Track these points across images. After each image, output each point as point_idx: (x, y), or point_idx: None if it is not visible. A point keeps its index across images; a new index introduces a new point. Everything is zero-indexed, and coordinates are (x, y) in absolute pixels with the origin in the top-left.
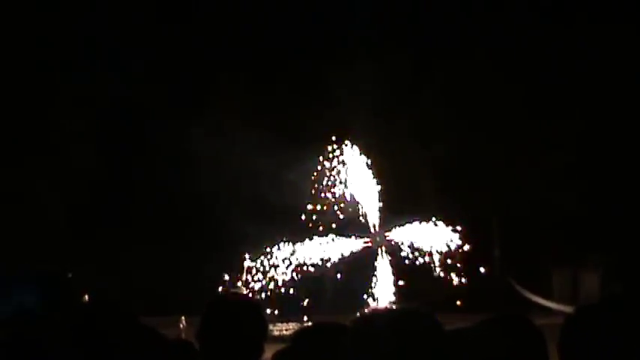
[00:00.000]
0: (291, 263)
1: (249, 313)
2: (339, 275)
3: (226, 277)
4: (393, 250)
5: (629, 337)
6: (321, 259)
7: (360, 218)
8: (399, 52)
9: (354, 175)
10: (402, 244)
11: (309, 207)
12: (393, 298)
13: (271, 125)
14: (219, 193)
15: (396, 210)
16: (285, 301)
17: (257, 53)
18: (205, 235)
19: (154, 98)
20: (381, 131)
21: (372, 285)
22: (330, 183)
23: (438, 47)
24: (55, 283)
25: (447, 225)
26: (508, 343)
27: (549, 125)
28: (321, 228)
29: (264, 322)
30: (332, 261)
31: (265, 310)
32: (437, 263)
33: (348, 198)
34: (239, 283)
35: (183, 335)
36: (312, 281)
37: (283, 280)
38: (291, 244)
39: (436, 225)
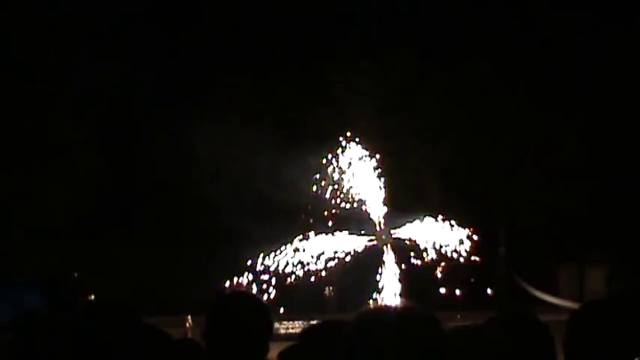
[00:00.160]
0: (296, 262)
1: (255, 312)
2: (344, 273)
3: (231, 276)
4: (399, 247)
5: (634, 332)
6: (326, 258)
7: (366, 216)
8: (403, 51)
9: (358, 174)
10: (408, 241)
11: (314, 205)
12: (398, 296)
13: (275, 125)
14: (223, 193)
15: (401, 208)
16: (290, 300)
17: (260, 53)
18: (210, 234)
19: (155, 100)
20: (385, 130)
21: (378, 283)
22: (334, 181)
23: (442, 46)
24: (59, 285)
25: (452, 223)
26: (515, 340)
27: (555, 124)
28: (325, 226)
29: (269, 320)
30: (337, 259)
31: (270, 308)
32: (442, 261)
33: (353, 196)
34: (244, 282)
35: (189, 335)
36: (317, 279)
37: (288, 279)
38: (295, 242)
39: (441, 223)
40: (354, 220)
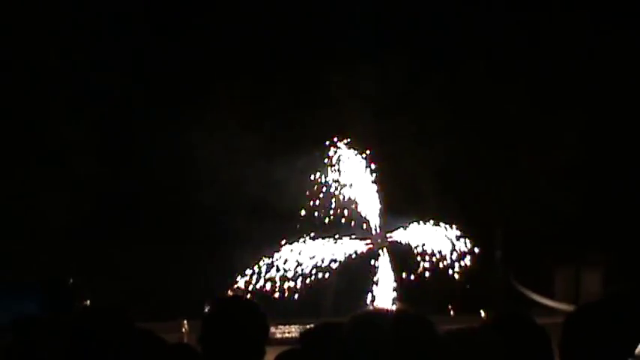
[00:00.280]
0: (292, 265)
1: (251, 316)
2: (340, 277)
3: (227, 280)
4: (395, 251)
5: (629, 334)
6: (323, 261)
7: (362, 220)
8: (399, 54)
9: (355, 177)
10: (404, 245)
11: (310, 209)
12: (394, 299)
13: (271, 128)
14: (220, 196)
15: (397, 212)
16: (286, 303)
17: (257, 57)
18: (207, 238)
19: (153, 104)
20: (382, 133)
21: (373, 286)
22: (330, 185)
23: (438, 49)
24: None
25: (449, 226)
26: (511, 341)
27: (551, 126)
28: (322, 230)
29: (265, 324)
30: (333, 262)
31: (266, 312)
32: (438, 264)
33: (349, 200)
34: (240, 286)
35: (185, 340)
36: (313, 283)
37: (285, 282)
38: (292, 246)
39: (437, 226)
40: (350, 223)
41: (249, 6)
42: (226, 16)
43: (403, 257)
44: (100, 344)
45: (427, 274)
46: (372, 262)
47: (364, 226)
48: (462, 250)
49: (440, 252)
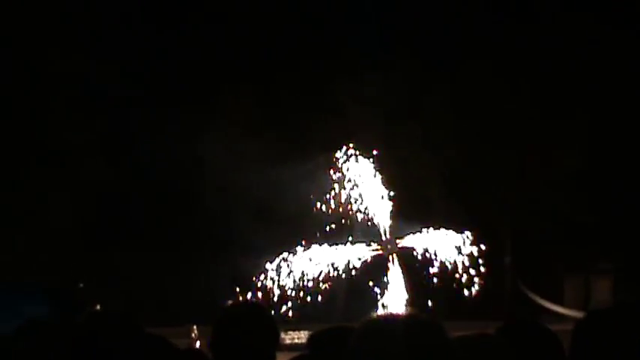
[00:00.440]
0: (300, 271)
1: (261, 322)
2: (349, 282)
3: (236, 286)
4: (405, 257)
5: (636, 343)
6: (331, 266)
7: (371, 225)
8: (407, 59)
9: (363, 183)
10: (414, 251)
11: (318, 214)
12: (404, 306)
13: (279, 134)
14: (227, 201)
15: (406, 217)
16: (296, 310)
17: (264, 63)
18: (213, 244)
19: (157, 107)
20: (390, 139)
21: (383, 292)
22: (339, 190)
23: (445, 55)
24: (64, 295)
25: (458, 232)
26: (524, 348)
27: (560, 132)
28: (330, 235)
29: (275, 330)
30: (342, 268)
31: (276, 318)
32: (447, 270)
33: (358, 205)
34: (249, 291)
35: (194, 345)
36: (322, 289)
37: (294, 288)
38: (301, 252)
39: (446, 232)
40: (359, 229)
41: (258, 11)
42: (234, 21)
43: (412, 263)
44: (111, 349)
45: (436, 279)
46: (382, 267)
47: (373, 231)
48: (471, 256)
49: (449, 258)
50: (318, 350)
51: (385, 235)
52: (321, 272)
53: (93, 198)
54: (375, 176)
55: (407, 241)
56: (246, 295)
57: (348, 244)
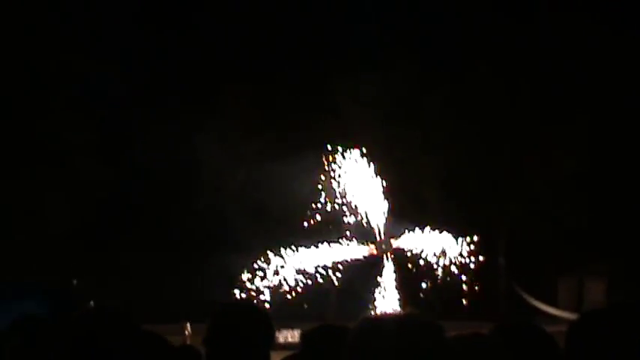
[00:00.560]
0: (296, 269)
1: (256, 320)
2: (344, 281)
3: (230, 284)
4: (399, 257)
5: (633, 343)
6: (326, 266)
7: (366, 225)
8: (406, 62)
9: (359, 183)
10: (408, 251)
11: (315, 214)
12: (397, 305)
13: (277, 134)
14: (223, 201)
15: (401, 218)
16: (290, 308)
17: (263, 63)
18: (210, 243)
19: (157, 109)
20: (387, 140)
21: (378, 291)
22: (335, 191)
23: (444, 57)
24: (60, 292)
25: (453, 233)
26: (520, 350)
27: (555, 136)
28: (326, 235)
29: (270, 329)
30: (337, 267)
31: (272, 317)
32: (442, 271)
33: (354, 205)
34: (244, 290)
35: (188, 342)
36: (317, 288)
37: (289, 287)
38: (296, 251)
39: (441, 233)
40: (355, 229)
41: (257, 11)
42: (232, 21)
43: (407, 263)
44: (105, 346)
45: (430, 279)
46: (377, 267)
47: (368, 231)
48: (465, 257)
49: (443, 258)
50: (309, 348)
51: (380, 234)
52: (316, 271)
53: (90, 197)
54: (371, 177)
55: (402, 242)
56: (240, 293)
57: (344, 243)
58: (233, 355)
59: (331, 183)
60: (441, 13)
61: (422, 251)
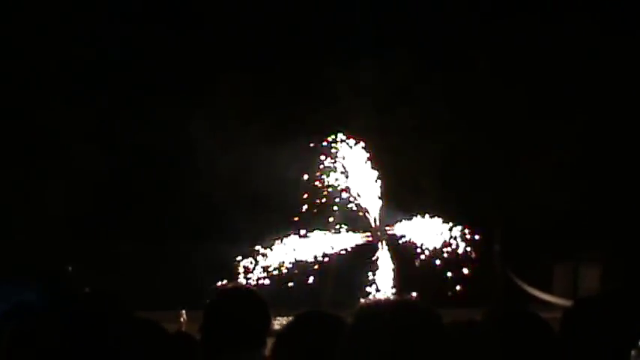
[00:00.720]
0: (291, 257)
1: (253, 306)
2: (339, 268)
3: (225, 271)
4: (394, 244)
5: (626, 328)
6: (321, 253)
7: (361, 213)
8: (402, 49)
9: (354, 170)
10: (404, 238)
11: (309, 201)
12: (393, 292)
13: (271, 121)
14: (218, 188)
15: (396, 205)
16: (285, 296)
17: (256, 49)
18: (205, 230)
19: (150, 94)
20: (382, 127)
21: (373, 280)
22: (330, 178)
23: (439, 44)
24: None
25: (449, 220)
26: (516, 337)
27: (550, 122)
28: (321, 222)
29: (267, 314)
30: (332, 254)
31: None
32: (438, 258)
33: (349, 193)
34: (239, 277)
35: (183, 329)
36: (312, 274)
37: (284, 275)
38: (291, 238)
39: (437, 220)
40: (350, 216)
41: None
42: (228, 8)
43: (402, 250)
44: (100, 332)
45: (426, 267)
46: (372, 254)
47: (364, 218)
48: (460, 244)
49: (439, 246)
50: (296, 334)
51: (375, 222)
52: (311, 258)
53: (85, 184)
54: (366, 163)
55: (397, 229)
56: (235, 280)
57: (338, 230)
58: (229, 341)
59: (326, 170)
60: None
61: (417, 239)
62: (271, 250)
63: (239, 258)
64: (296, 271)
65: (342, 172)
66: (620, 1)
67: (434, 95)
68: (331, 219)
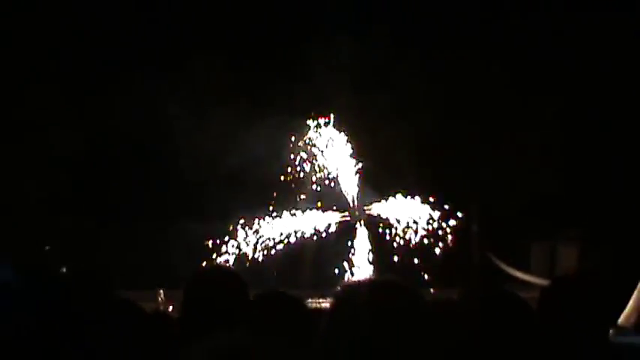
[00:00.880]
0: (269, 237)
1: (232, 286)
2: (317, 248)
3: (203, 251)
4: (372, 224)
5: (603, 308)
6: (299, 233)
7: (338, 192)
8: (379, 27)
9: (331, 149)
10: (382, 218)
11: (286, 181)
12: (371, 273)
13: (248, 100)
14: (195, 168)
15: (374, 185)
16: (263, 275)
17: (233, 29)
18: (180, 209)
19: (126, 70)
20: (360, 106)
21: (351, 259)
22: (307, 157)
23: (417, 23)
24: (31, 259)
25: (426, 200)
26: (496, 316)
27: (528, 102)
28: (298, 202)
29: (246, 296)
30: (310, 234)
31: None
32: (415, 237)
33: (326, 172)
34: (217, 256)
35: (161, 308)
36: (290, 254)
37: (261, 254)
38: (266, 217)
39: (415, 200)
40: (327, 195)
41: None
42: None
43: (380, 230)
44: (77, 311)
45: (403, 247)
46: (350, 234)
47: (341, 198)
48: (438, 223)
49: (416, 225)
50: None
51: (353, 202)
52: (289, 238)
53: (60, 163)
54: (344, 144)
55: (374, 209)
56: (214, 260)
57: (315, 210)
58: (207, 322)
59: (303, 149)
60: None
61: (395, 218)
62: (249, 229)
63: (216, 238)
64: (272, 252)
65: (320, 151)
66: None
67: (411, 74)
68: (306, 197)
